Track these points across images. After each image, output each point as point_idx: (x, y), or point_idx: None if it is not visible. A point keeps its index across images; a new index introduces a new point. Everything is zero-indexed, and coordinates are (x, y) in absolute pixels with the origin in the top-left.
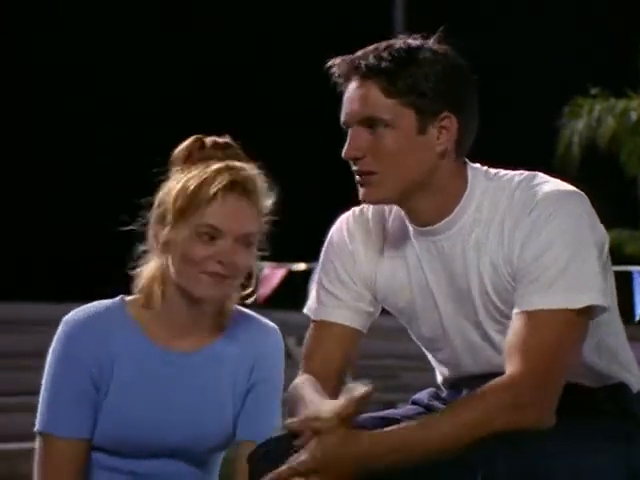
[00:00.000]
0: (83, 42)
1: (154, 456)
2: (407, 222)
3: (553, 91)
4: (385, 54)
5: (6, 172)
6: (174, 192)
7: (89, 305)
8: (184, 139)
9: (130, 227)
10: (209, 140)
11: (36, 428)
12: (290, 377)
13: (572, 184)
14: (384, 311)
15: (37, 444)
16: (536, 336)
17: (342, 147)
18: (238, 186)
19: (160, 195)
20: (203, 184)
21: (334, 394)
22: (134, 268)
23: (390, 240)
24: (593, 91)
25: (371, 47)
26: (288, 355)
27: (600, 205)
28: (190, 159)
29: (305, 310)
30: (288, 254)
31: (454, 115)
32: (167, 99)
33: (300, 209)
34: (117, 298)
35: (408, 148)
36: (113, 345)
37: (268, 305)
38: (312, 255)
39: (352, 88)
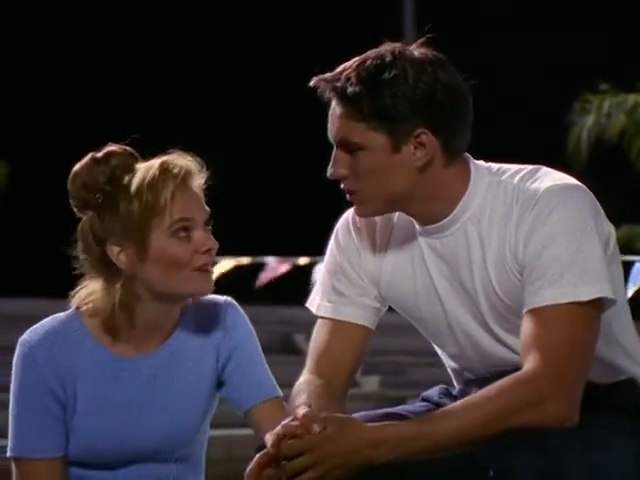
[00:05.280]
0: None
1: (131, 462)
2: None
3: (563, 87)
4: (353, 76)
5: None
6: (133, 208)
7: (44, 322)
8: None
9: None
10: (102, 154)
11: (9, 454)
12: (299, 375)
13: (582, 180)
14: (393, 308)
15: (13, 470)
16: (549, 331)
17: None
18: (185, 175)
19: (108, 219)
20: (157, 187)
21: (343, 394)
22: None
23: (396, 235)
24: (603, 87)
25: (346, 65)
26: (297, 351)
27: (610, 201)
28: (94, 177)
29: (308, 304)
30: (296, 249)
31: (429, 129)
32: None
33: (306, 203)
34: (71, 310)
35: (384, 168)
36: (73, 361)
37: (276, 301)
38: (318, 249)
39: (331, 108)
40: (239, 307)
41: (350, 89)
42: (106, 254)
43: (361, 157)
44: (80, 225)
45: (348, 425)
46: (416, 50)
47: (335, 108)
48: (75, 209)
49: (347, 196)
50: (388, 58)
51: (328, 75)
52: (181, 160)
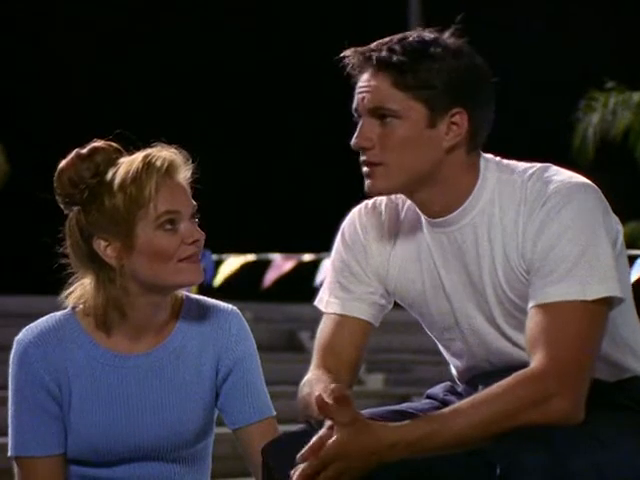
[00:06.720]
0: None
1: (132, 461)
2: (420, 213)
3: (569, 85)
4: (397, 47)
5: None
6: (117, 201)
7: (40, 321)
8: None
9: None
10: (86, 151)
11: (10, 454)
12: (304, 372)
13: (587, 177)
14: (399, 305)
15: (15, 470)
16: (556, 328)
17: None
18: (169, 167)
19: (94, 214)
20: (140, 180)
21: (348, 388)
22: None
23: (403, 232)
24: (609, 84)
25: (385, 39)
26: (302, 349)
27: (615, 198)
28: (79, 173)
29: (316, 302)
30: (301, 246)
31: (465, 111)
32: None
33: (311, 201)
34: (67, 309)
35: (415, 141)
36: (68, 359)
37: (281, 298)
38: (323, 246)
39: (364, 79)
40: (243, 318)
41: (395, 58)
42: (93, 249)
43: (395, 126)
44: (67, 221)
45: (366, 427)
46: (447, 38)
47: (370, 79)
48: (62, 206)
49: (365, 169)
50: (429, 37)
51: (362, 48)
52: (164, 152)
